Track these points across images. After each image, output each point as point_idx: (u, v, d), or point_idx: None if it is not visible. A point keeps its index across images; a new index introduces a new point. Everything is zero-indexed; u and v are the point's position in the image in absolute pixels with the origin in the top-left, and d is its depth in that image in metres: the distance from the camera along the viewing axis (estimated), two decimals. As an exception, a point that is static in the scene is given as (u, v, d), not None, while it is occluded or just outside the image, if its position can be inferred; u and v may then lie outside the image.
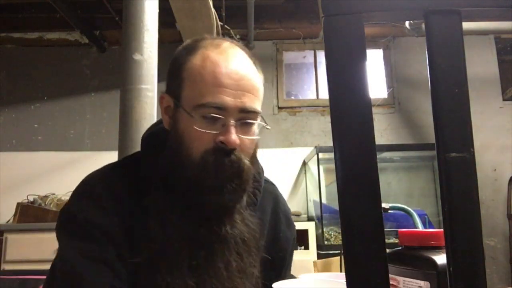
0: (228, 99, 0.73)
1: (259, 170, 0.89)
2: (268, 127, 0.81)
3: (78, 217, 0.75)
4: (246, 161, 0.76)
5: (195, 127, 0.73)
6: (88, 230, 0.73)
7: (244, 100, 0.74)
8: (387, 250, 0.35)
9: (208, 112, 0.73)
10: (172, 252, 0.72)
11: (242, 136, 0.75)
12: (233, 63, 0.76)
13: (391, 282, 0.55)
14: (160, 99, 0.82)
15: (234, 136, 0.73)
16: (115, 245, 0.73)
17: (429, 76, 0.35)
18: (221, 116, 0.73)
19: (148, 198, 0.76)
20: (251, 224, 0.80)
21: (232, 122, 0.73)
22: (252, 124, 0.77)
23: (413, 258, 0.57)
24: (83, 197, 0.78)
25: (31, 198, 3.26)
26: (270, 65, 4.01)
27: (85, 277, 0.70)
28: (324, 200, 3.36)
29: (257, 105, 0.77)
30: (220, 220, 0.75)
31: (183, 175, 0.75)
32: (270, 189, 0.96)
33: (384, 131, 3.86)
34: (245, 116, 0.75)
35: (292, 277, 0.94)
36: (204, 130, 0.73)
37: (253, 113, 0.76)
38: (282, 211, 0.96)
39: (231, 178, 0.74)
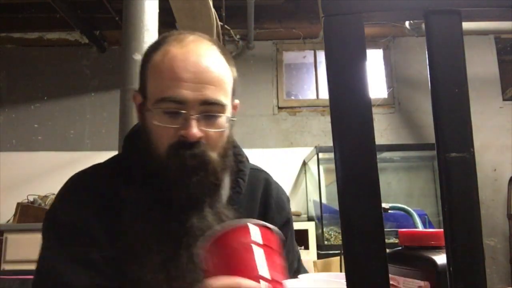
0: (187, 92, 0.72)
1: (241, 159, 0.89)
2: (233, 118, 0.80)
3: (60, 219, 0.77)
4: (212, 154, 0.76)
5: (156, 123, 0.74)
6: (70, 230, 0.75)
7: (205, 92, 0.73)
8: (387, 250, 0.35)
9: (168, 107, 0.73)
10: (142, 247, 0.73)
11: (207, 129, 0.75)
12: (193, 56, 0.75)
13: (391, 282, 0.55)
14: (133, 98, 0.83)
15: (194, 130, 0.72)
16: (98, 244, 0.74)
17: (429, 76, 0.35)
18: (182, 111, 0.73)
19: (123, 194, 0.77)
20: (227, 218, 0.78)
21: (193, 115, 0.73)
22: (218, 116, 0.76)
23: (413, 258, 0.57)
24: (65, 198, 0.80)
25: (31, 198, 3.26)
26: (270, 65, 4.01)
27: (68, 280, 0.72)
28: (324, 200, 3.36)
29: (221, 97, 0.76)
30: (187, 213, 0.75)
31: (151, 170, 0.76)
32: (261, 177, 0.94)
33: (384, 131, 3.87)
34: (208, 109, 0.75)
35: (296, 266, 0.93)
36: (165, 125, 0.73)
37: (216, 105, 0.75)
38: (274, 197, 0.93)
39: (195, 171, 0.74)
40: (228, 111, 0.79)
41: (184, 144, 0.73)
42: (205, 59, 0.75)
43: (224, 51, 0.81)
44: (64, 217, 0.77)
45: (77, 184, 0.81)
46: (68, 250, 0.74)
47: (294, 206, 3.60)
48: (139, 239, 0.73)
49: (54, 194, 3.29)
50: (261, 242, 0.60)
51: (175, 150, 0.73)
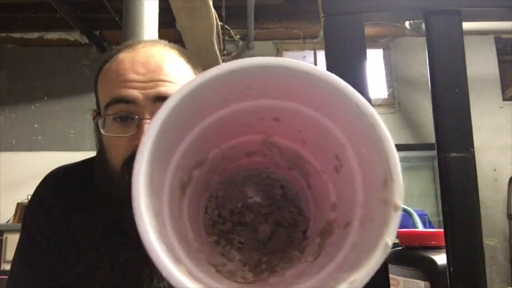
0: (135, 91, 0.62)
1: None
2: None
3: (27, 223, 0.74)
4: None
5: (106, 133, 0.64)
6: (35, 239, 0.72)
7: (158, 89, 0.62)
8: (387, 250, 0.35)
9: (117, 110, 0.63)
10: (92, 281, 0.66)
11: None
12: (142, 58, 0.65)
13: (391, 282, 0.55)
14: (92, 115, 0.74)
15: None
16: (60, 255, 0.70)
17: (429, 76, 0.35)
18: (133, 115, 0.62)
19: (77, 219, 0.69)
20: None
21: (147, 118, 0.61)
22: None
23: (413, 258, 0.57)
24: (33, 203, 0.75)
25: (31, 198, 3.26)
26: (270, 65, 4.01)
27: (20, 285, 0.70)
28: (324, 200, 3.35)
29: None
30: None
31: (104, 191, 0.66)
32: None
33: (384, 131, 3.86)
34: None
35: None
36: (115, 135, 0.63)
37: None
38: None
39: None
40: None
41: None
42: (156, 59, 0.66)
43: (185, 55, 0.71)
44: (28, 222, 0.74)
45: (45, 190, 0.74)
46: (27, 255, 0.73)
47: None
48: (89, 273, 0.66)
49: (54, 194, 3.29)
50: None
51: (128, 165, 0.61)
